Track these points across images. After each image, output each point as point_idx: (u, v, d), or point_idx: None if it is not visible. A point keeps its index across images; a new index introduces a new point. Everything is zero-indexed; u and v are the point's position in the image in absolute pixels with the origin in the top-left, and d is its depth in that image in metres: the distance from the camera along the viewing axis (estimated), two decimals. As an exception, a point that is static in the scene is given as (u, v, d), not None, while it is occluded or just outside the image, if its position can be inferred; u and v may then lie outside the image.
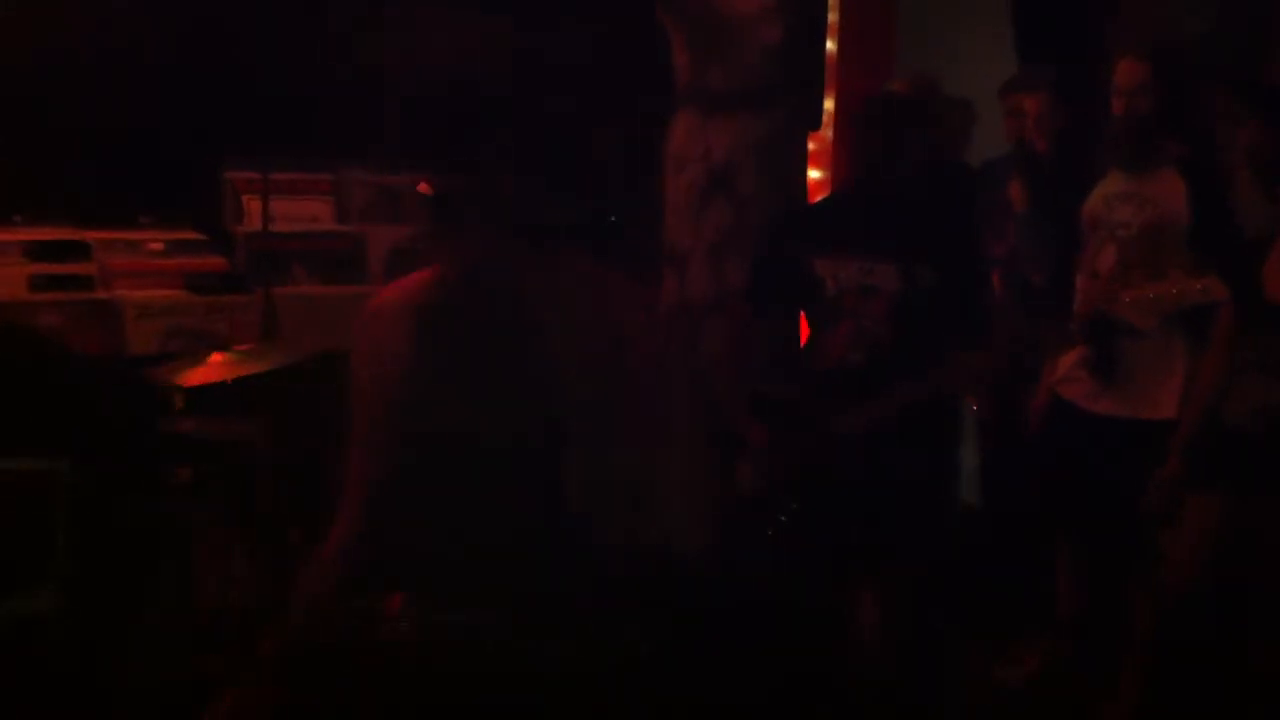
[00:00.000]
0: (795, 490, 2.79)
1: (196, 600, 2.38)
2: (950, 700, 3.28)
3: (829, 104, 4.66)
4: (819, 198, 4.14)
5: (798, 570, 2.84)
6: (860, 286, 2.81)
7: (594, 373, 1.65)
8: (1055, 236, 3.57)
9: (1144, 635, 3.15)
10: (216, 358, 2.87)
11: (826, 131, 4.64)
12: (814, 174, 4.40)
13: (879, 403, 2.73)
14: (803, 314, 3.08)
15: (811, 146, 4.33)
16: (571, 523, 1.63)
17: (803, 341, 3.18)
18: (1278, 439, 2.85)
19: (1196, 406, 3.01)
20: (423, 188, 4.26)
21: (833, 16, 4.63)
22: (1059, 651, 3.55)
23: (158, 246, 3.97)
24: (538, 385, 1.61)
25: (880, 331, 2.80)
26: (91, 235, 3.86)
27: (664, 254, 3.96)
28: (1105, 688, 3.29)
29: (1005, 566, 3.90)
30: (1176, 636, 3.00)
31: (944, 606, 3.33)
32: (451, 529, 1.63)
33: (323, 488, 3.34)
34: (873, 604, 2.90)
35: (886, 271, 2.79)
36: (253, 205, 4.15)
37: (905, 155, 2.84)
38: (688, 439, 1.77)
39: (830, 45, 4.61)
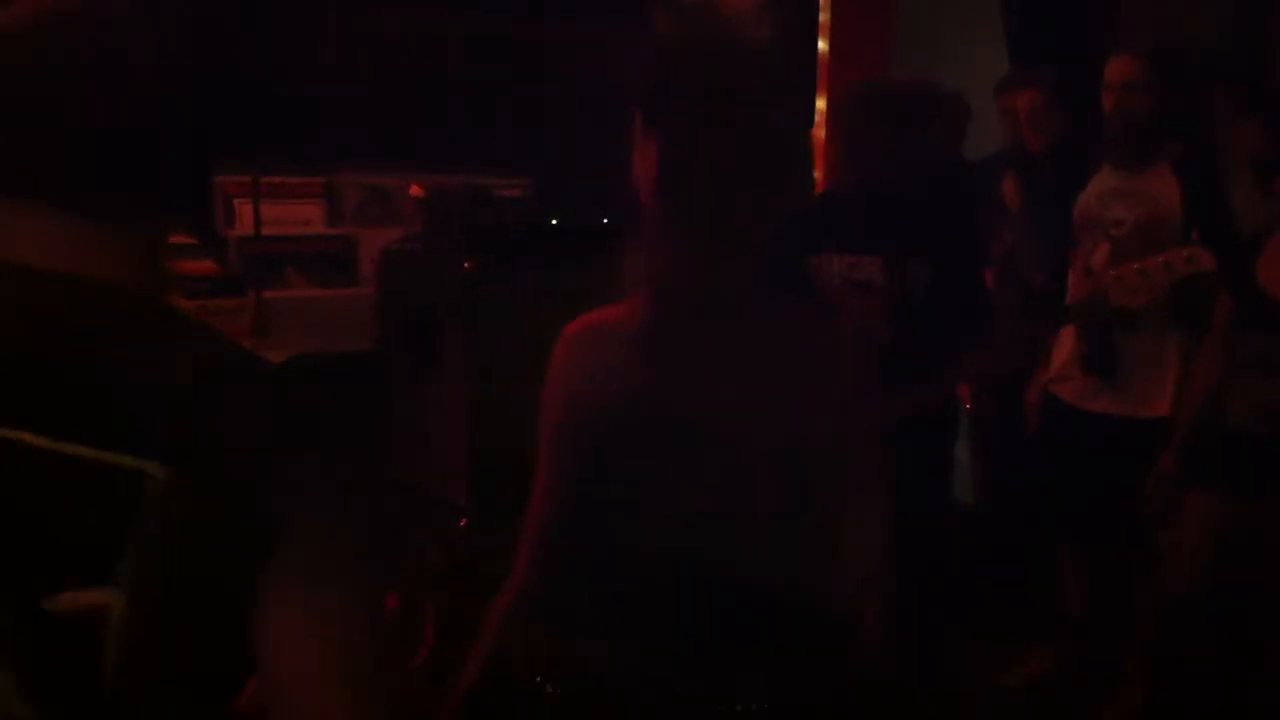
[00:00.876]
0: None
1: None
2: (950, 701, 3.27)
3: (821, 103, 4.65)
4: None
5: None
6: (849, 283, 2.79)
7: (812, 413, 1.51)
8: (1050, 235, 3.57)
9: (1145, 636, 3.14)
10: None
11: (819, 131, 4.63)
12: (809, 173, 4.38)
13: (890, 404, 2.70)
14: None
15: (806, 146, 4.31)
16: (775, 568, 1.52)
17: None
18: (1277, 438, 2.85)
19: (1192, 402, 3.01)
20: (415, 190, 4.23)
21: (824, 16, 4.62)
22: (1060, 652, 3.54)
23: (148, 251, 3.93)
24: (757, 424, 1.48)
25: (875, 330, 2.78)
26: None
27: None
28: (1106, 688, 3.28)
29: (1004, 566, 3.89)
30: (1177, 638, 2.99)
31: (944, 606, 3.32)
32: (639, 567, 1.53)
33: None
34: (873, 604, 2.88)
35: (875, 268, 2.77)
36: (244, 208, 4.12)
37: (897, 152, 2.82)
38: (876, 489, 1.61)
39: (822, 44, 4.60)
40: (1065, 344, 3.33)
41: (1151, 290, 2.64)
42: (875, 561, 1.59)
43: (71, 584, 0.94)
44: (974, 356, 2.79)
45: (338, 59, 4.29)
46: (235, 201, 4.22)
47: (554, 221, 3.78)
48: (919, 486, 2.85)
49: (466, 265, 3.47)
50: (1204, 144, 3.38)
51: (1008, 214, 4.01)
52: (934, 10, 5.08)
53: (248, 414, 1.00)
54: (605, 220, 3.71)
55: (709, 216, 1.47)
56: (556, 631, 1.58)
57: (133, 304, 1.03)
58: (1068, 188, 3.42)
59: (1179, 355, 3.15)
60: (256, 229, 3.84)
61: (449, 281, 3.51)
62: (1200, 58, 3.60)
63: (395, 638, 2.86)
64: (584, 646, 1.55)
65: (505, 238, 3.66)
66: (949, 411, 3.14)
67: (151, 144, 1.06)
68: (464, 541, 3.06)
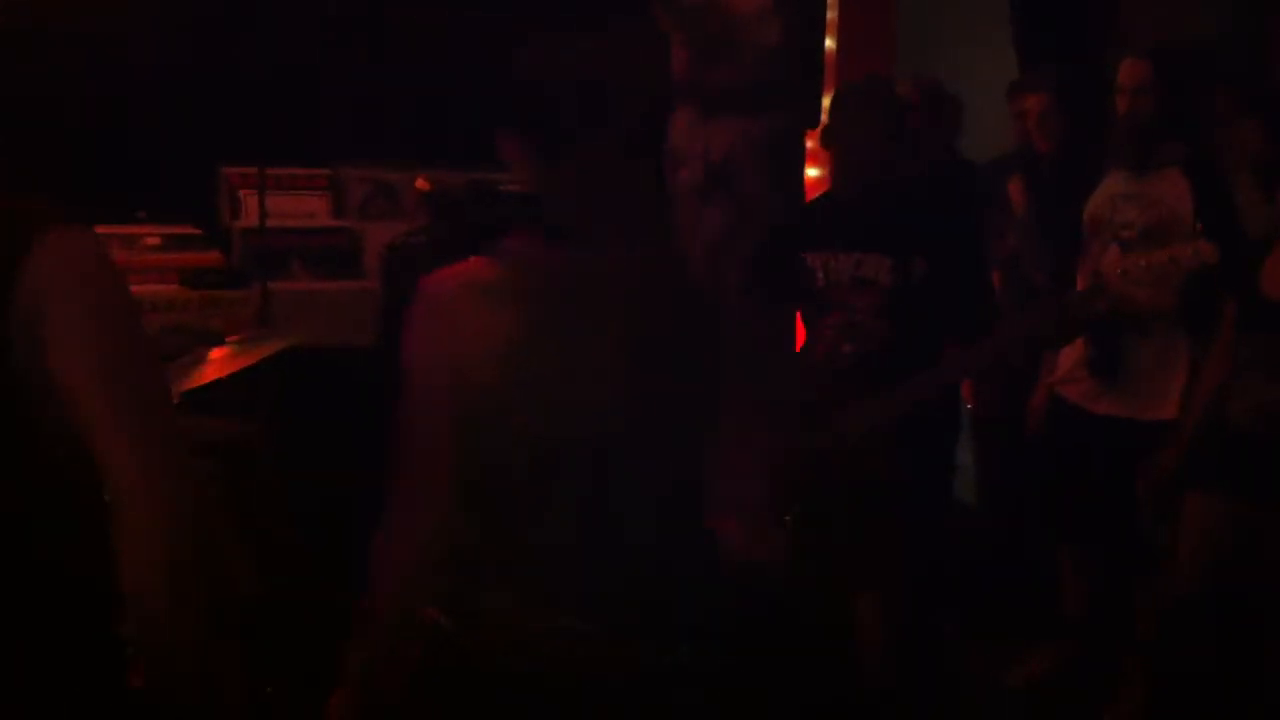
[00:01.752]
0: (799, 490, 2.78)
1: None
2: (950, 701, 3.27)
3: (828, 102, 4.65)
4: (815, 195, 4.12)
5: (801, 571, 2.83)
6: (851, 279, 2.79)
7: (671, 362, 1.60)
8: (1057, 236, 3.56)
9: (1145, 636, 3.14)
10: (216, 353, 2.86)
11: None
12: (812, 172, 4.38)
13: (888, 402, 2.70)
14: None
15: (810, 144, 4.32)
16: (648, 520, 1.60)
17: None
18: (1278, 439, 2.85)
19: (1198, 405, 3.01)
20: (420, 184, 4.25)
21: (832, 14, 4.61)
22: (1060, 652, 3.54)
23: (154, 241, 3.95)
24: (618, 370, 1.56)
25: (872, 325, 2.78)
26: (88, 230, 3.83)
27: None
28: (1106, 688, 3.28)
29: (1004, 566, 3.89)
30: (1177, 638, 2.99)
31: (944, 606, 3.32)
32: (526, 522, 1.60)
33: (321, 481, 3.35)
34: (873, 604, 2.89)
35: (878, 264, 2.77)
36: (249, 200, 4.13)
37: (890, 150, 2.82)
38: (756, 439, 1.70)
39: (830, 43, 4.59)
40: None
41: (1156, 284, 2.64)
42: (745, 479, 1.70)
43: None
44: (974, 353, 2.78)
45: (339, 56, 4.31)
46: (241, 193, 4.23)
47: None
48: (921, 487, 2.85)
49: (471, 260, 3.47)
50: (1206, 146, 3.38)
51: (1013, 216, 4.01)
52: (934, 10, 5.08)
53: None
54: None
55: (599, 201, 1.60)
56: (459, 579, 1.62)
57: None
58: (1075, 190, 3.41)
59: (1187, 358, 3.15)
60: (262, 221, 3.84)
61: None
62: (1200, 58, 3.59)
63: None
64: (485, 595, 1.60)
65: (510, 232, 3.66)
66: (951, 412, 3.14)
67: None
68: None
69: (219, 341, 2.96)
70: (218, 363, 2.84)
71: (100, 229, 3.94)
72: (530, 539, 1.59)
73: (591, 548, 1.58)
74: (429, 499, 1.60)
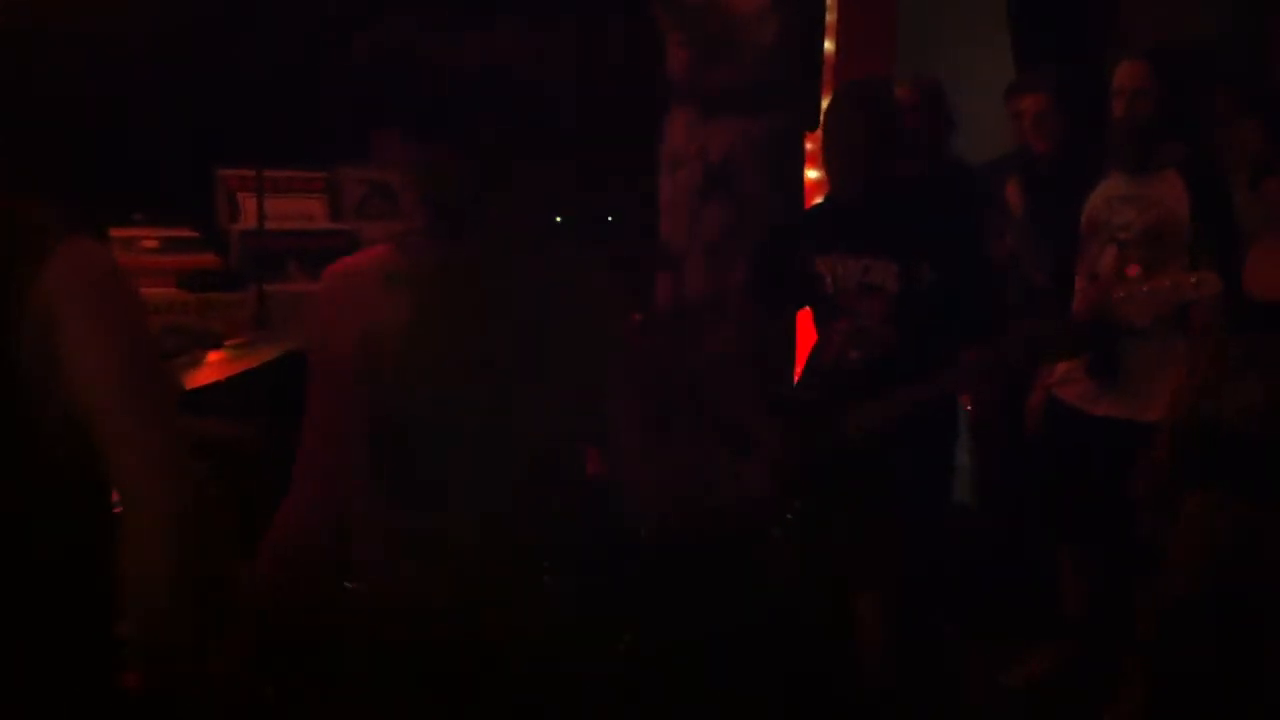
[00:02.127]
0: (800, 490, 2.78)
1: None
2: (950, 701, 3.27)
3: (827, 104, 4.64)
4: (816, 197, 4.12)
5: (801, 570, 2.83)
6: (858, 285, 2.80)
7: (569, 346, 1.66)
8: (1054, 238, 3.56)
9: (1145, 636, 3.14)
10: (215, 356, 2.86)
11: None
12: (812, 174, 4.38)
13: (890, 403, 2.71)
14: (810, 313, 3.07)
15: (809, 146, 4.32)
16: (545, 495, 1.67)
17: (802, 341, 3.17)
18: (1274, 438, 2.85)
19: (1181, 400, 3.01)
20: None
21: (831, 16, 4.61)
22: (1060, 652, 3.54)
23: (151, 244, 3.94)
24: (509, 353, 1.63)
25: (880, 330, 2.79)
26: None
27: (660, 252, 3.95)
28: (1106, 688, 3.28)
29: (1004, 566, 3.89)
30: (1177, 638, 2.99)
31: (944, 607, 3.32)
32: (423, 498, 1.66)
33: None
34: (873, 604, 2.89)
35: (886, 270, 2.77)
36: (247, 203, 4.13)
37: (885, 152, 2.82)
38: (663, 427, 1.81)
39: (829, 44, 4.59)
40: None
41: (1159, 311, 2.67)
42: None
43: None
44: (977, 356, 2.78)
45: (339, 56, 4.29)
46: (238, 195, 4.23)
47: (557, 219, 3.78)
48: (919, 488, 2.86)
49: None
50: (1206, 146, 3.37)
51: (1011, 217, 4.01)
52: (934, 10, 5.07)
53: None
54: (609, 218, 3.71)
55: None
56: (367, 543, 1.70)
57: None
58: (1072, 191, 3.41)
59: (1184, 360, 3.15)
60: (259, 223, 3.84)
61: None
62: (1200, 58, 3.60)
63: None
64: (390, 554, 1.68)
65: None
66: (948, 413, 3.14)
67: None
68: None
69: (217, 344, 2.96)
70: (217, 365, 2.84)
71: (98, 230, 3.95)
72: (416, 509, 1.65)
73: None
74: (329, 470, 1.67)
